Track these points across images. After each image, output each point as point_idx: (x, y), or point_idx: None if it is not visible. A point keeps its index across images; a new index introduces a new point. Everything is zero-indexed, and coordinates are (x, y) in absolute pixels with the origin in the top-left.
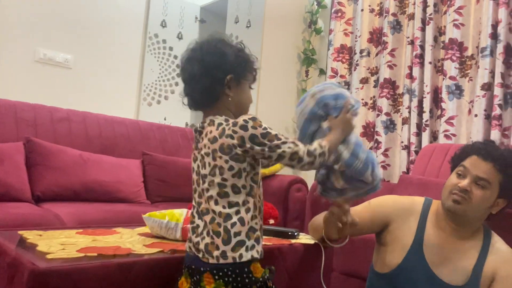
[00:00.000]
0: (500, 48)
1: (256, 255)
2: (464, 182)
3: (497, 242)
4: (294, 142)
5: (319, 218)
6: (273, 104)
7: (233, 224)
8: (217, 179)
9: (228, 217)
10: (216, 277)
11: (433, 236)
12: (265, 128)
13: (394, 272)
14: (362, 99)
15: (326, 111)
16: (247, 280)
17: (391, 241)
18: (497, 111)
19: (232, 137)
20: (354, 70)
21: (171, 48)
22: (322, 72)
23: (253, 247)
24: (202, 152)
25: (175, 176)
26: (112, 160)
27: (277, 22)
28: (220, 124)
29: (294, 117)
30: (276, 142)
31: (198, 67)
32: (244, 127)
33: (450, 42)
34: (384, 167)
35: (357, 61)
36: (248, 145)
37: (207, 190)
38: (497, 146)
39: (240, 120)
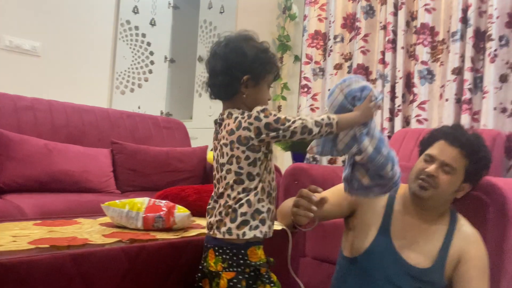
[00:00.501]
0: (470, 32)
1: (259, 235)
2: (431, 168)
3: (463, 225)
4: (301, 118)
5: (288, 203)
6: None
7: (241, 205)
8: (234, 168)
9: (239, 200)
10: (217, 253)
11: (400, 220)
12: (275, 115)
13: (362, 256)
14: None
15: (353, 104)
16: (241, 262)
17: (359, 226)
18: (467, 95)
19: (249, 129)
20: (328, 56)
21: (143, 35)
22: (297, 58)
23: (257, 227)
24: (221, 143)
25: (146, 165)
26: (79, 150)
27: (251, 8)
28: (236, 118)
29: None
30: (287, 123)
31: (220, 64)
32: (258, 118)
33: (422, 27)
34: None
35: (331, 47)
36: (264, 134)
37: (225, 177)
38: (464, 131)
39: (254, 112)
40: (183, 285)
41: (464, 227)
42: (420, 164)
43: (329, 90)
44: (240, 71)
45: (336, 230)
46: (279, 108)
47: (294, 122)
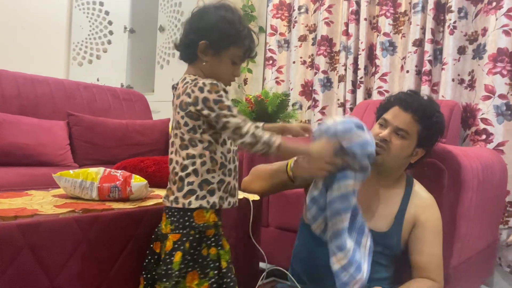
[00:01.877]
0: (431, 4)
1: (205, 205)
2: (384, 133)
3: (418, 189)
4: (245, 120)
5: (264, 167)
6: None
7: (188, 175)
8: (179, 132)
9: (185, 168)
10: (167, 216)
11: None
12: (220, 96)
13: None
14: (301, 58)
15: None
16: (187, 224)
17: None
18: (427, 66)
19: (189, 96)
20: (293, 28)
21: (101, 3)
22: (261, 30)
23: (204, 197)
24: (173, 107)
25: (105, 138)
26: (33, 122)
27: None
28: (186, 82)
29: None
30: (225, 112)
31: (186, 26)
32: (201, 89)
33: None
34: None
35: (295, 18)
36: (199, 107)
37: (173, 142)
38: (419, 97)
39: (200, 82)
40: (141, 255)
41: (420, 191)
42: (375, 129)
43: (293, 62)
44: (197, 35)
45: (298, 199)
46: (245, 82)
47: (233, 116)
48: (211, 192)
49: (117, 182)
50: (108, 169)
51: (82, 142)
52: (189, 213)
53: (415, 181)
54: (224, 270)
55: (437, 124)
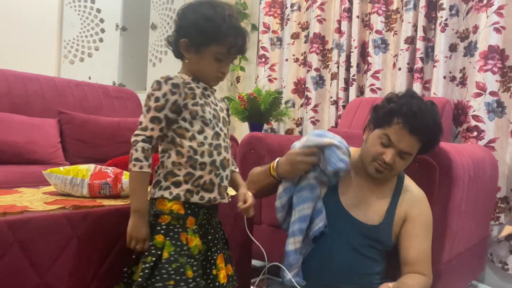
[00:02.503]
0: (422, 1)
1: (167, 196)
2: (389, 156)
3: (409, 185)
4: (146, 128)
5: (256, 170)
6: None
7: (158, 167)
8: None
9: (160, 162)
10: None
11: (349, 180)
12: (152, 94)
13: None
14: (294, 55)
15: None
16: (152, 212)
17: None
18: (419, 64)
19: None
20: (286, 25)
21: (93, 1)
22: (254, 28)
23: (167, 188)
24: None
25: (97, 136)
26: (23, 119)
27: None
28: None
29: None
30: (144, 109)
31: (174, 24)
32: (148, 95)
33: None
34: (313, 123)
35: (288, 15)
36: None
37: None
38: (424, 114)
39: (155, 83)
40: (132, 251)
41: (410, 187)
42: (377, 147)
43: (286, 60)
44: (179, 33)
45: None
46: (238, 79)
47: (141, 123)
48: (176, 184)
49: (108, 179)
50: (99, 166)
51: (74, 140)
52: (153, 202)
53: (406, 176)
54: (164, 261)
55: (438, 141)
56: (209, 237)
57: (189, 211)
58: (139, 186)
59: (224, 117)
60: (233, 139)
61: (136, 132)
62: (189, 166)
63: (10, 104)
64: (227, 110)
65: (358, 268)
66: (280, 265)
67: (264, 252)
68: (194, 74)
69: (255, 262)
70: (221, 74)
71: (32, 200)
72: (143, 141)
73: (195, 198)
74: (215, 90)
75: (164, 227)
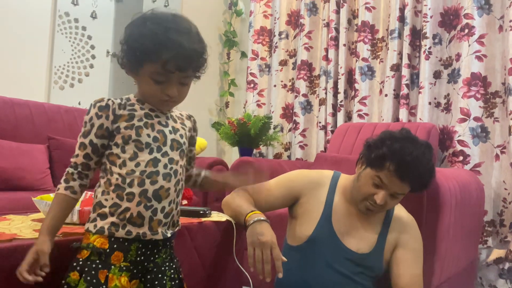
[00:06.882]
0: (407, 30)
1: (91, 229)
2: (380, 198)
3: (400, 211)
4: (74, 155)
5: (235, 201)
6: (195, 86)
7: (94, 196)
8: None
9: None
10: None
11: (341, 207)
12: (86, 119)
13: (305, 243)
14: (282, 81)
15: None
16: (70, 247)
17: (302, 214)
18: (404, 90)
19: None
20: (274, 53)
21: (84, 28)
22: (244, 55)
23: (94, 220)
24: None
25: None
26: (11, 145)
27: (196, 3)
28: None
29: (217, 100)
30: (79, 134)
31: None
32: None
33: (363, 25)
34: (301, 147)
35: (276, 43)
36: None
37: None
38: (417, 162)
39: (92, 106)
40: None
41: (400, 212)
42: (369, 187)
43: (274, 86)
44: (120, 51)
45: (281, 220)
46: (227, 105)
47: (71, 160)
48: (102, 216)
49: None
50: (89, 192)
51: (63, 165)
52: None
53: None
54: None
55: (430, 183)
56: (149, 277)
57: (115, 246)
58: (52, 206)
59: (175, 140)
60: (223, 163)
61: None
62: (116, 196)
63: None
64: (192, 129)
65: None
66: None
67: (249, 278)
68: (143, 97)
69: None
70: (166, 97)
71: (21, 227)
72: (70, 166)
73: (120, 233)
74: (171, 111)
75: (81, 263)
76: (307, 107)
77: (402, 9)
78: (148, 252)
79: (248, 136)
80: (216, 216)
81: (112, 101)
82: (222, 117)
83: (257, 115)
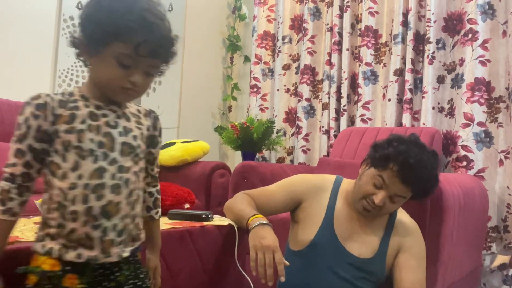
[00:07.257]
0: (410, 35)
1: (39, 249)
2: (379, 198)
3: (402, 216)
4: (9, 164)
5: (238, 205)
6: (198, 90)
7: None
8: None
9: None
10: None
11: (343, 212)
12: (20, 120)
13: (307, 248)
14: (285, 86)
15: None
16: (16, 271)
17: (304, 219)
18: (408, 95)
19: None
20: (277, 57)
21: None
22: (247, 59)
23: (41, 239)
24: None
25: None
26: None
27: (200, 7)
28: None
29: (220, 104)
30: (13, 138)
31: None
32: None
33: (366, 30)
34: (304, 152)
35: (279, 47)
36: None
37: None
38: (420, 165)
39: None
40: None
41: (403, 218)
42: (369, 186)
43: (277, 90)
44: (78, 30)
45: (284, 225)
46: (230, 109)
47: (4, 171)
48: (50, 236)
49: None
50: None
51: None
52: (32, 256)
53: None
54: None
55: (433, 190)
56: None
57: (68, 267)
58: None
59: (127, 143)
60: (226, 167)
61: (4, 167)
62: (60, 216)
63: (2, 133)
64: (152, 128)
65: None
66: None
67: (251, 283)
68: (97, 85)
69: None
70: (129, 84)
71: (23, 230)
72: (5, 179)
73: (70, 256)
74: (125, 106)
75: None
76: (310, 112)
77: (405, 14)
78: (108, 272)
79: (251, 140)
80: (218, 220)
81: (51, 97)
82: (225, 121)
83: (260, 119)
